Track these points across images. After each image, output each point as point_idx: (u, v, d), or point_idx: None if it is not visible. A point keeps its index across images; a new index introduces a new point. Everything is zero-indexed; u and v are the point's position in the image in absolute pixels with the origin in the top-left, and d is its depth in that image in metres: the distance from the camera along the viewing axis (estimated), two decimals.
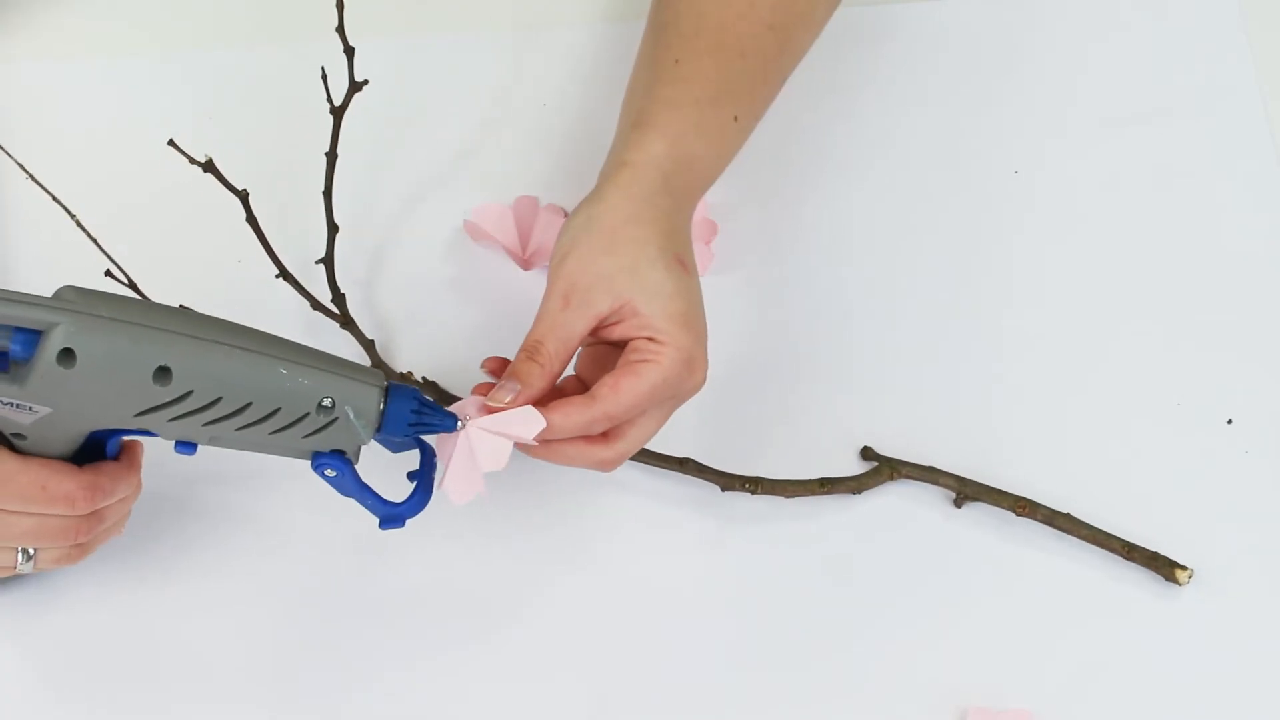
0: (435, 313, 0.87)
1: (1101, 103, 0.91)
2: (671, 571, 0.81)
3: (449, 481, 0.70)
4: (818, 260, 0.88)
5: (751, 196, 0.89)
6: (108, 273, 0.76)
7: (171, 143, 0.74)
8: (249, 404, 0.65)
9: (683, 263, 0.73)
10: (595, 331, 0.72)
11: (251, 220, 0.76)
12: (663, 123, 0.75)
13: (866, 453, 0.83)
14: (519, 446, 0.71)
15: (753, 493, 0.82)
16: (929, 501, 0.82)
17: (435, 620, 0.80)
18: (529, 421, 0.69)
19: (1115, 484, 0.82)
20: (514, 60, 0.94)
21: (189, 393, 0.64)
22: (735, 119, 0.78)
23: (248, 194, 0.75)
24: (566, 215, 0.88)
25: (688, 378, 0.72)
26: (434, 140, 0.91)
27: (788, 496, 0.82)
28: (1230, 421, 0.83)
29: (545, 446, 0.71)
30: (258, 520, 0.81)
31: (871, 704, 0.78)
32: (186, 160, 0.74)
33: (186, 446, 0.67)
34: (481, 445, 0.69)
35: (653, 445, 0.81)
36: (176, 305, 0.65)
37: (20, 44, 0.92)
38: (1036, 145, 0.90)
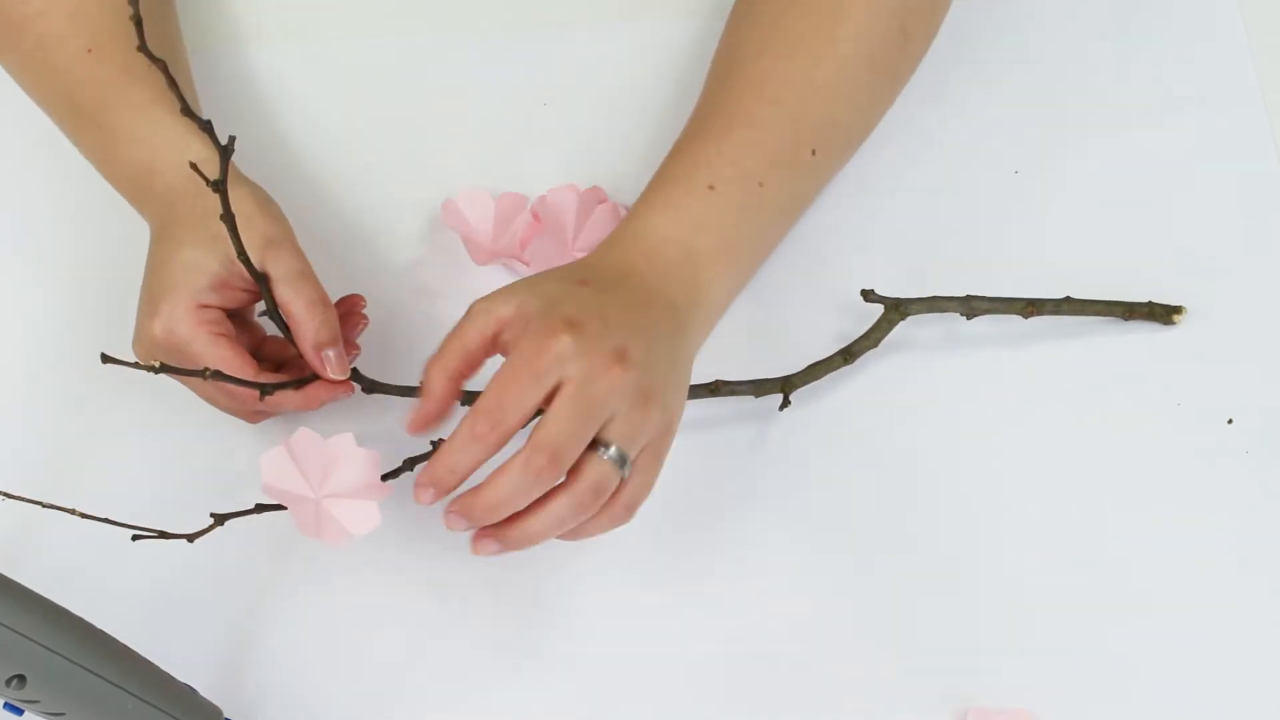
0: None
1: (1101, 103, 0.91)
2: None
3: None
4: (818, 261, 0.88)
5: None
6: None
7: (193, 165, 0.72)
8: None
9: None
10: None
11: (242, 257, 0.74)
12: None
13: (868, 295, 0.83)
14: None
15: (786, 392, 0.83)
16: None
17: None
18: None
19: (1116, 484, 0.83)
20: (514, 60, 0.94)
21: (36, 700, 0.65)
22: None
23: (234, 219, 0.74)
24: None
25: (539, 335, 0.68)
26: (436, 140, 0.92)
27: (819, 379, 0.83)
28: (1230, 421, 0.84)
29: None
30: None
31: (871, 704, 0.79)
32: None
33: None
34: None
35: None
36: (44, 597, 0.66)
37: None
38: (1036, 145, 0.90)
